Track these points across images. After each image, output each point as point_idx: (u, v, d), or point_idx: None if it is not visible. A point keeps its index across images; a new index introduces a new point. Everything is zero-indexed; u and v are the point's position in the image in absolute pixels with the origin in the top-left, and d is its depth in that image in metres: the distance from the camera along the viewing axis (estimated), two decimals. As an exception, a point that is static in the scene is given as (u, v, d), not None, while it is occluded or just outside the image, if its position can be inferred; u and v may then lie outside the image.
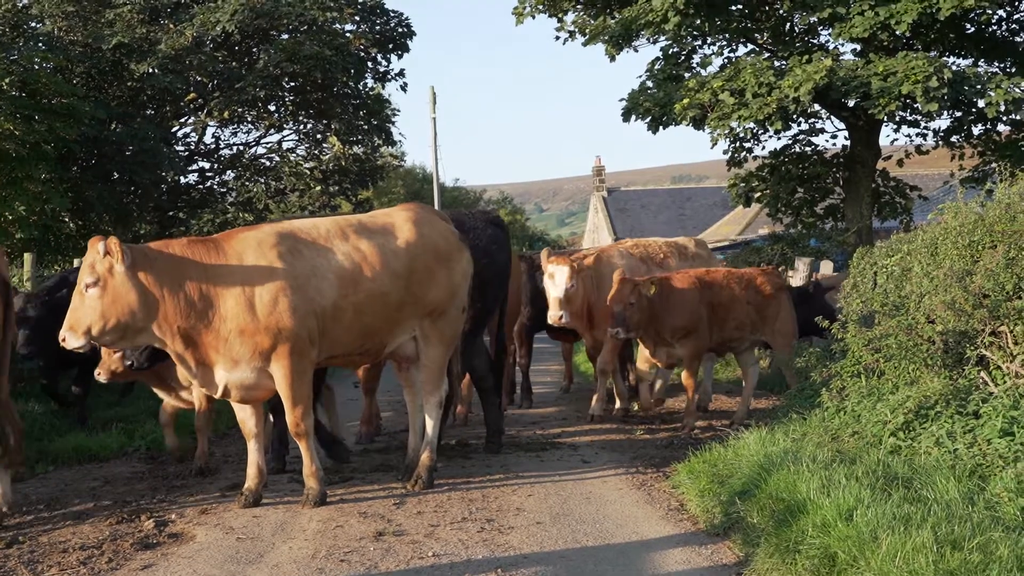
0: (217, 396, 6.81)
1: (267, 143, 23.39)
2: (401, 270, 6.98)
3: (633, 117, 16.75)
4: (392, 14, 22.02)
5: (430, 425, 7.35)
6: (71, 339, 6.28)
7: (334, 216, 7.69)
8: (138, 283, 6.26)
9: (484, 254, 8.12)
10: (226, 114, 20.70)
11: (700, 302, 9.17)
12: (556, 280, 9.41)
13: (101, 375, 7.62)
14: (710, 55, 17.37)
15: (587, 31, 17.57)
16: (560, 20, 18.04)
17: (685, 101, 15.20)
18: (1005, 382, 6.65)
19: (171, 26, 18.87)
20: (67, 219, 17.00)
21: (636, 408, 10.35)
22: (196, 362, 6.55)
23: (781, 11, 16.47)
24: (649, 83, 17.04)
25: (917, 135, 17.33)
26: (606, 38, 17.08)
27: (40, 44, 17.08)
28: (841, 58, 15.26)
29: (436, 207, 31.21)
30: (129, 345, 6.74)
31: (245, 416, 6.89)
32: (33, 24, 18.13)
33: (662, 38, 17.04)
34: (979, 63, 16.00)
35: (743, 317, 9.48)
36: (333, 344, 6.85)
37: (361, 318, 6.86)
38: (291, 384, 6.57)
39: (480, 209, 24.00)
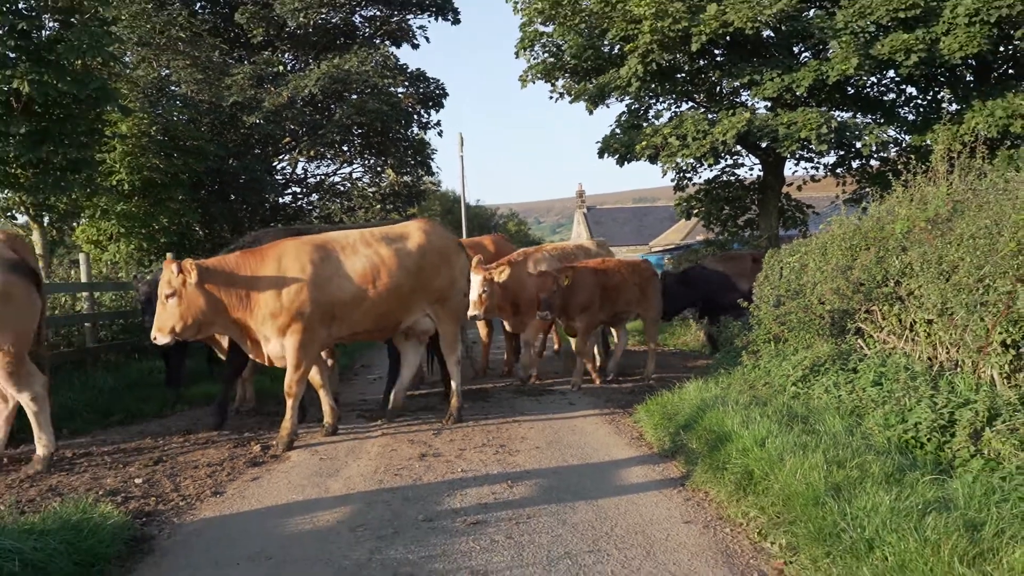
0: (266, 363, 6.66)
1: (341, 173, 23.31)
2: (412, 267, 6.88)
3: (606, 155, 16.64)
4: (432, 80, 21.95)
5: (454, 378, 7.33)
6: (160, 338, 6.23)
7: (368, 228, 7.30)
8: (204, 291, 6.20)
9: None
10: (312, 153, 20.82)
11: (596, 285, 8.79)
12: (472, 286, 8.37)
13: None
14: (661, 110, 17.23)
15: (572, 92, 17.43)
16: (553, 85, 17.88)
17: (643, 143, 15.12)
18: (876, 347, 6.62)
19: (272, 89, 18.90)
20: (197, 228, 17.03)
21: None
22: (250, 341, 6.50)
23: (713, 78, 16.33)
24: (617, 130, 16.90)
25: (812, 168, 17.18)
26: (586, 97, 16.94)
27: (177, 102, 17.18)
28: (756, 112, 15.14)
29: (463, 222, 31.42)
30: (204, 336, 6.60)
31: (312, 372, 6.83)
32: (172, 87, 18.20)
33: (627, 98, 16.94)
34: (857, 115, 15.84)
35: (630, 295, 9.20)
36: (354, 324, 6.70)
37: (377, 305, 6.70)
38: (296, 354, 6.37)
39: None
